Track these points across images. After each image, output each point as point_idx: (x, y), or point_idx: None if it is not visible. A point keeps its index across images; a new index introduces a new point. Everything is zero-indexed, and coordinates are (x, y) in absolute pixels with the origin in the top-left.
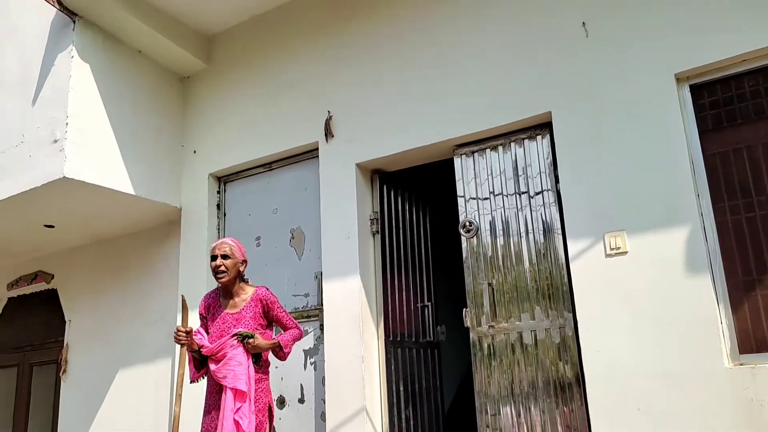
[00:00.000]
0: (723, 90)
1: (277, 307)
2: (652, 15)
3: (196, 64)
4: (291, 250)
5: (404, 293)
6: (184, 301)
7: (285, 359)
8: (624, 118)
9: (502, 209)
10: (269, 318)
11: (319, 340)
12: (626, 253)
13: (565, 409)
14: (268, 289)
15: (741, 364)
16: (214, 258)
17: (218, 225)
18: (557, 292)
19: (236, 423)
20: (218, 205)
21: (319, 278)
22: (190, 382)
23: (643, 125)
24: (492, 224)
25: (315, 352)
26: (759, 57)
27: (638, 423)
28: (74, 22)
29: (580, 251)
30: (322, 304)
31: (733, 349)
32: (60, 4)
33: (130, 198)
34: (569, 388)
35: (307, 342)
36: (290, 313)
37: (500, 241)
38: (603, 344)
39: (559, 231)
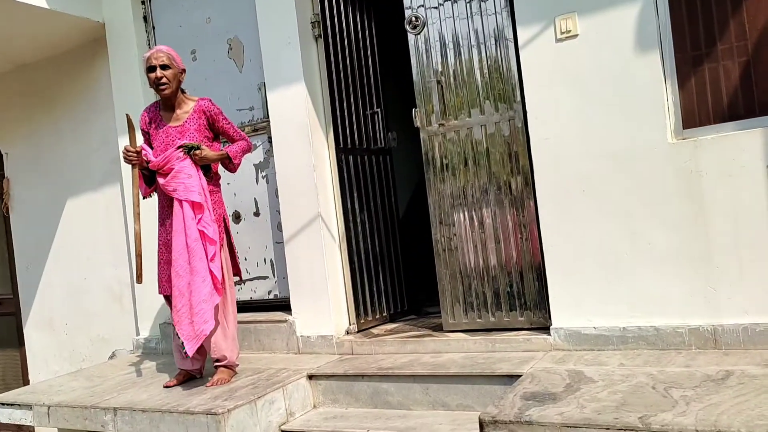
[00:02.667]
0: None
1: (222, 119)
2: None
3: None
4: (230, 62)
5: (352, 100)
6: (129, 120)
7: (235, 171)
8: None
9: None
10: (215, 130)
11: (269, 153)
12: (577, 36)
13: (515, 205)
14: (210, 100)
15: (684, 138)
16: (152, 69)
17: (147, 40)
18: (507, 84)
19: (201, 233)
20: (145, 18)
21: (263, 89)
22: (143, 198)
23: None
24: (440, 21)
25: (265, 166)
26: None
27: (583, 204)
28: None
29: (530, 38)
30: (268, 116)
31: (677, 125)
32: None
33: (43, 12)
34: (519, 183)
35: (257, 156)
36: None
37: (448, 36)
38: (551, 132)
39: (509, 20)
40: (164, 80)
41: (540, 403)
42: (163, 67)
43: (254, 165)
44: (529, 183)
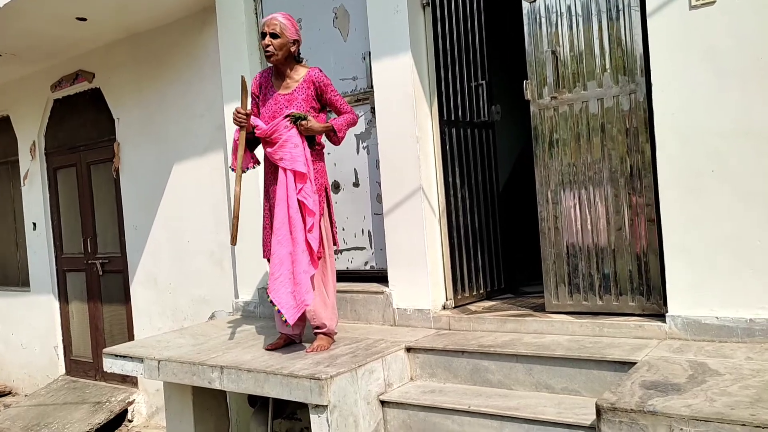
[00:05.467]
0: None
1: (331, 90)
2: None
3: None
4: (335, 31)
5: (457, 71)
6: (244, 82)
7: (339, 144)
8: None
9: None
10: (322, 102)
11: (371, 123)
12: (714, 2)
13: (631, 184)
14: (321, 70)
15: None
16: (263, 36)
17: (255, 9)
18: (629, 55)
19: (301, 203)
20: None
21: (367, 59)
22: (243, 171)
23: None
24: None
25: (367, 136)
26: None
27: (712, 186)
28: None
29: (659, 5)
30: (372, 86)
31: None
32: None
33: None
34: (637, 161)
35: (358, 126)
36: None
37: (565, 4)
38: (678, 107)
39: None
40: (270, 49)
41: (663, 393)
42: (273, 35)
43: (355, 135)
44: (648, 161)
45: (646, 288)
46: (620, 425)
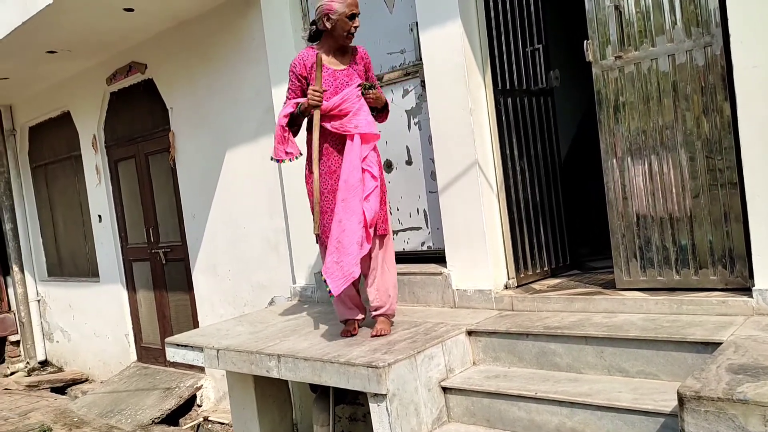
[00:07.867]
0: None
1: (372, 69)
2: None
3: None
4: (380, 3)
5: (511, 36)
6: (320, 59)
7: (383, 122)
8: None
9: None
10: (366, 79)
11: (421, 97)
12: None
13: (709, 147)
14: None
15: None
16: (353, 17)
17: None
18: (702, 5)
19: (365, 172)
20: None
21: (414, 30)
22: (290, 161)
23: None
24: None
25: (418, 111)
26: None
27: None
28: None
29: None
30: (420, 59)
31: None
32: None
33: None
34: (715, 120)
35: (409, 101)
36: (387, 72)
37: None
38: (761, 58)
39: None
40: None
41: (754, 378)
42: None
43: (406, 111)
44: (728, 120)
45: (729, 260)
46: (706, 415)
